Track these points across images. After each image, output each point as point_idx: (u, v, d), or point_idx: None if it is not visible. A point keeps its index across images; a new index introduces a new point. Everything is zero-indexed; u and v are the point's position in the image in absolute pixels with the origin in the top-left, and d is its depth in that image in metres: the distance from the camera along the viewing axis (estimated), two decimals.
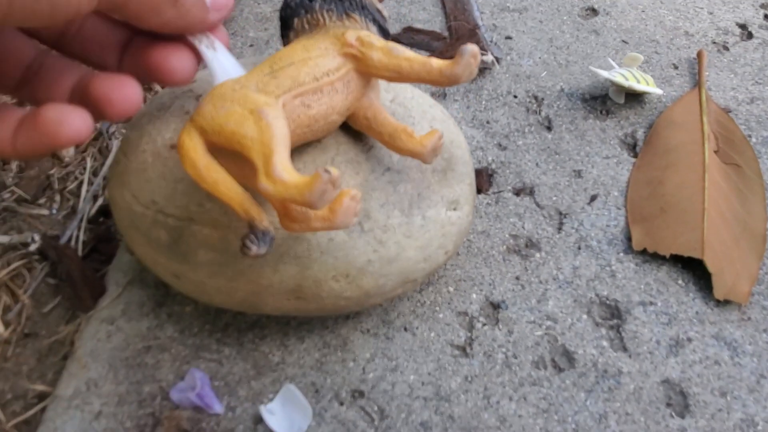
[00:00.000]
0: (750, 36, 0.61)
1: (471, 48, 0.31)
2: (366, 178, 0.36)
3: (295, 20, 0.34)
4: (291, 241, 0.35)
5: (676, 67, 0.57)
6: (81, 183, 0.51)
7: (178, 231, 0.36)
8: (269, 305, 0.37)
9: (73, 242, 0.47)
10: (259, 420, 0.38)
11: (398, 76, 0.32)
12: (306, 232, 0.32)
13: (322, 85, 0.31)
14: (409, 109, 0.41)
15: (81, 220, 0.48)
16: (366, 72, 0.33)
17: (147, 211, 0.37)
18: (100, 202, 0.49)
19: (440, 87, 0.33)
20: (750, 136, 0.53)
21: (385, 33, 0.35)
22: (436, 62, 0.32)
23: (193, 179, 0.29)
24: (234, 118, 0.28)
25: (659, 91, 0.53)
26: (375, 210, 0.37)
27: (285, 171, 0.27)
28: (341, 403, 0.39)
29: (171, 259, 0.37)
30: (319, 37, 0.33)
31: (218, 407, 0.37)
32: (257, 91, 0.30)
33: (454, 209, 0.40)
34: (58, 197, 0.50)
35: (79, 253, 0.46)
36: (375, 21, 0.34)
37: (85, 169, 0.52)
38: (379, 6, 0.35)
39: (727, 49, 0.59)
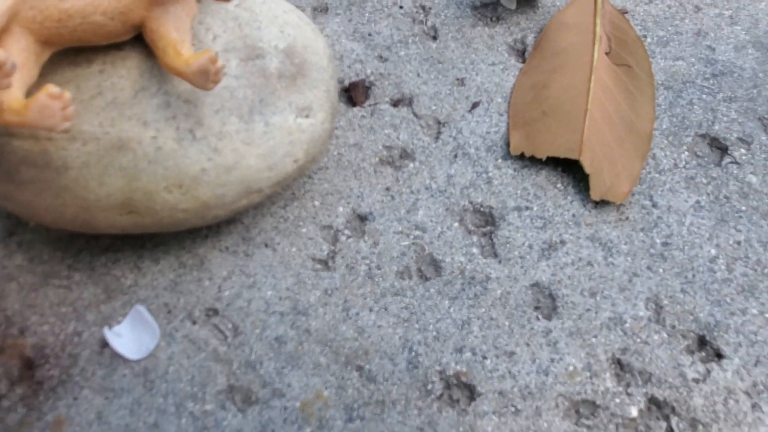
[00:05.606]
0: None
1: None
2: None
3: None
4: (115, 152, 0.33)
5: None
6: None
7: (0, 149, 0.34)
8: (103, 221, 0.35)
9: None
10: (106, 343, 0.36)
11: None
12: (5, 125, 0.30)
13: None
14: (257, 14, 0.38)
15: None
16: None
17: None
18: None
19: None
20: (645, 36, 0.50)
21: None
22: None
23: None
24: None
25: None
26: (208, 116, 0.35)
27: None
28: (194, 322, 0.37)
29: None
30: None
31: None
32: None
33: (306, 116, 0.38)
34: None
35: None
36: None
37: None
38: None
39: None
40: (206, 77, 0.31)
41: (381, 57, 0.48)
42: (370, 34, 0.50)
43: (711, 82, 0.47)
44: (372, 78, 0.47)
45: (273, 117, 0.36)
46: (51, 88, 0.28)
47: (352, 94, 0.46)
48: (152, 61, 0.35)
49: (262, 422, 0.34)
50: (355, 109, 0.46)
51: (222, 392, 0.35)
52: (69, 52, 0.34)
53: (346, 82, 0.47)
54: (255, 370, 0.36)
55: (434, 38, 0.50)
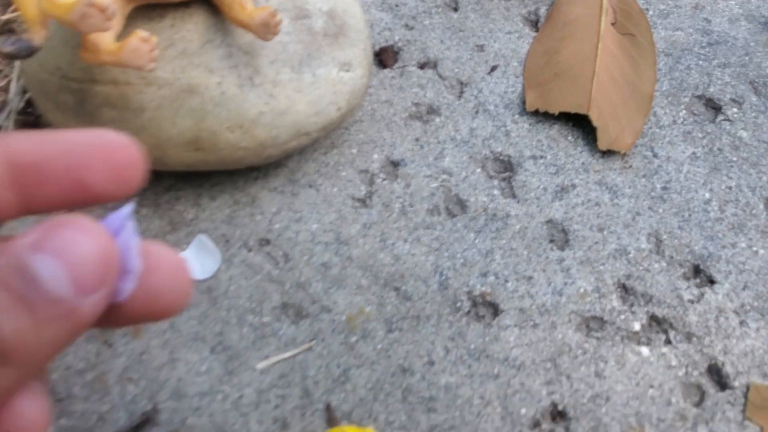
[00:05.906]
0: None
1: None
2: (253, 38, 0.39)
3: None
4: (185, 95, 0.38)
5: None
6: (10, 80, 0.53)
7: (82, 93, 0.39)
8: (174, 158, 0.40)
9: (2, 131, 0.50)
10: None
11: None
12: (100, 64, 0.35)
13: None
14: None
15: (10, 112, 0.51)
16: None
17: (52, 78, 0.39)
18: (28, 95, 0.52)
19: None
20: (648, 9, 0.55)
21: None
22: None
23: None
24: None
25: None
26: (265, 66, 0.40)
27: None
28: (249, 250, 0.42)
29: (78, 121, 0.40)
30: None
31: None
32: None
33: (347, 71, 0.43)
34: None
35: None
36: None
37: (13, 67, 0.54)
38: None
39: None
40: (267, 29, 0.36)
41: (407, 26, 0.53)
42: (397, 5, 0.55)
43: (707, 50, 0.52)
44: (400, 44, 0.52)
45: (319, 69, 0.41)
46: (141, 33, 0.33)
47: (383, 57, 0.51)
48: (216, 18, 0.39)
49: (313, 332, 0.39)
50: (386, 71, 0.51)
51: (277, 308, 0.40)
52: (144, 10, 0.38)
53: (377, 47, 0.52)
54: (305, 289, 0.41)
55: (455, 9, 0.55)
